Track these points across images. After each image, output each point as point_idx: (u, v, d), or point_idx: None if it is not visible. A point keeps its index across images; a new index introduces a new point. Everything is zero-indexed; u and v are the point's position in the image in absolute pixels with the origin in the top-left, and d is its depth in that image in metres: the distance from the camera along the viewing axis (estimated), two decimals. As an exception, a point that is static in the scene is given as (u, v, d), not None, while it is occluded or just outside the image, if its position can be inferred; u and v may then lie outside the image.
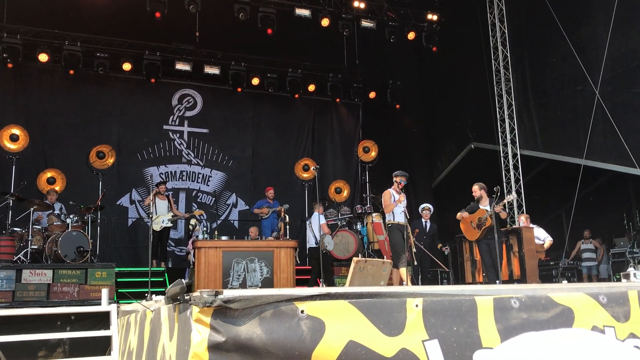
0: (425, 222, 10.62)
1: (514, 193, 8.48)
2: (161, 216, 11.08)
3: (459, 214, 9.24)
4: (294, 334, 2.32)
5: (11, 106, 12.70)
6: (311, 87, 14.76)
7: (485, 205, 8.91)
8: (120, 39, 12.97)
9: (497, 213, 8.61)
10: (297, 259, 11.33)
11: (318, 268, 10.28)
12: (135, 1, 11.57)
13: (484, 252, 8.97)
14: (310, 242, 10.36)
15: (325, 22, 12.79)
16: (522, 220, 10.87)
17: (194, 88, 14.44)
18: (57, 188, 11.58)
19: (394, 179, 8.71)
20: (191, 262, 10.35)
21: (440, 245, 10.82)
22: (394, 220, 8.58)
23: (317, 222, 10.23)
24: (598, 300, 2.91)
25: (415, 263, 8.59)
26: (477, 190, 9.09)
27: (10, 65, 11.92)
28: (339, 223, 11.85)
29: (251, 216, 13.26)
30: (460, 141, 14.61)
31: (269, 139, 15.04)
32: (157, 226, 10.96)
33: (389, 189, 8.70)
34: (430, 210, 10.69)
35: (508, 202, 8.43)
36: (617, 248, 11.58)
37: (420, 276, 11.13)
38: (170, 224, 11.35)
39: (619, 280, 10.06)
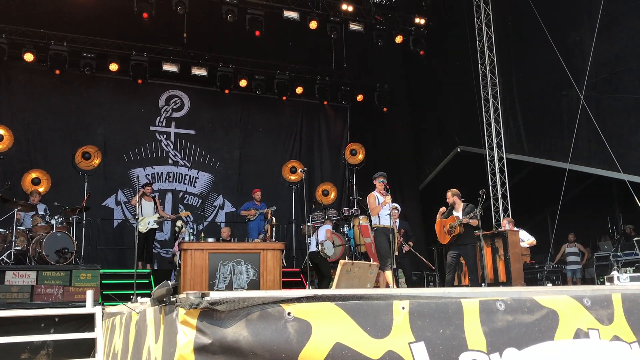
0: (395, 221, 10.37)
1: (479, 210, 8.52)
2: (147, 217, 11.01)
3: (440, 210, 9.34)
4: (281, 336, 2.32)
5: (-5, 106, 12.58)
6: (299, 90, 14.77)
7: (458, 212, 8.99)
8: (107, 39, 12.88)
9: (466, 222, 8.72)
10: (284, 261, 11.32)
11: (317, 270, 10.35)
12: (122, 2, 11.50)
13: (452, 256, 9.06)
14: (312, 247, 10.42)
15: (313, 24, 12.79)
16: (506, 224, 10.93)
17: (181, 89, 14.38)
18: (40, 189, 11.46)
19: (374, 182, 8.74)
20: (177, 264, 10.29)
21: (411, 243, 10.83)
22: (379, 223, 8.60)
23: (323, 230, 10.51)
24: (582, 303, 2.94)
25: (394, 266, 8.60)
26: (450, 197, 9.21)
27: (-6, 65, 11.82)
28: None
29: (238, 218, 13.22)
30: (446, 144, 14.68)
31: (256, 140, 15.02)
32: (142, 227, 10.88)
33: (373, 192, 8.72)
34: (398, 210, 10.47)
35: (473, 215, 8.55)
36: (601, 252, 11.70)
37: (404, 278, 11.15)
38: (156, 226, 11.29)
39: (602, 283, 10.16)
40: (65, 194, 11.79)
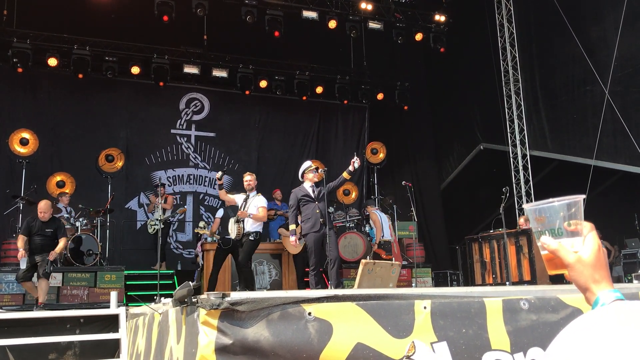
0: (311, 185, 8.76)
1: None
2: (153, 219, 11.33)
3: None
4: (302, 336, 2.31)
5: (21, 110, 12.76)
6: (319, 89, 14.71)
7: None
8: (129, 42, 13.01)
9: None
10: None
11: None
12: (143, 5, 11.61)
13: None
14: None
15: (332, 24, 12.76)
16: (522, 222, 10.66)
17: (201, 92, 14.45)
18: (67, 191, 11.64)
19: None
20: (200, 265, 10.37)
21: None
22: None
23: None
24: (609, 301, 2.88)
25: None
26: None
27: (20, 70, 11.93)
28: (347, 225, 11.83)
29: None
30: (468, 142, 14.55)
31: (274, 142, 15.02)
32: (150, 229, 11.16)
33: None
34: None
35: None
36: (628, 249, 11.49)
37: (429, 277, 11.07)
38: (161, 226, 11.26)
39: (630, 281, 9.98)
40: (89, 196, 11.93)
